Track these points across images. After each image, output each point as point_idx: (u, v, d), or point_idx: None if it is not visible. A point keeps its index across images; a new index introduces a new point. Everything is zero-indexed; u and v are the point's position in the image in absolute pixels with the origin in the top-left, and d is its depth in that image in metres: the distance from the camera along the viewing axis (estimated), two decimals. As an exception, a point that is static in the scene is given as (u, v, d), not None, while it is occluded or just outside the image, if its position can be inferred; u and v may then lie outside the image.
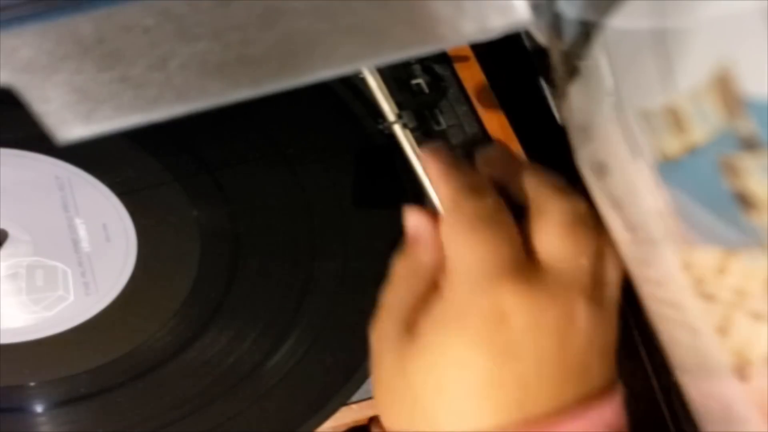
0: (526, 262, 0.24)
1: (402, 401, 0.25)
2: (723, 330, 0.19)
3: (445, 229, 0.25)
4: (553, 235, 0.24)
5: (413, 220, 0.27)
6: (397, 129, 0.34)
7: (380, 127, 0.37)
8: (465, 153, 0.30)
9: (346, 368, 0.34)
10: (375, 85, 0.34)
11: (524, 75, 0.40)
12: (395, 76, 0.39)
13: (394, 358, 0.25)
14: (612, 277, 0.25)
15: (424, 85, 0.39)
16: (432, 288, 0.25)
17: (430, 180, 0.27)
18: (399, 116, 0.34)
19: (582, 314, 0.23)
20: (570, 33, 0.20)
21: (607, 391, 0.24)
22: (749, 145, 0.16)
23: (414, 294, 0.25)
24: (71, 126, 0.17)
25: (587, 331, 0.23)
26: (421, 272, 0.26)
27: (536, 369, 0.23)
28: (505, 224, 0.24)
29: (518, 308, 0.23)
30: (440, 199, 0.26)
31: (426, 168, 0.27)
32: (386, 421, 0.26)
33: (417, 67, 0.39)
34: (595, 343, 0.24)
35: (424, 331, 0.24)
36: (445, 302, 0.24)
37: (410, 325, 0.25)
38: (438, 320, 0.24)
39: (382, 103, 0.34)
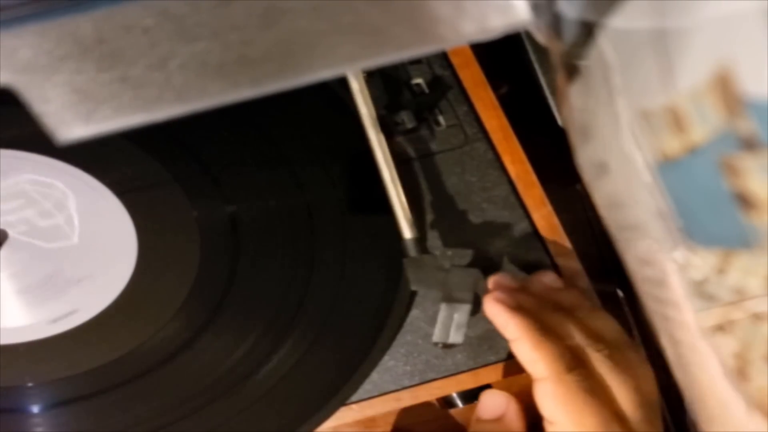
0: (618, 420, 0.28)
1: None
2: (723, 330, 0.19)
3: (551, 396, 0.29)
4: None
5: (493, 399, 0.32)
6: (371, 134, 0.34)
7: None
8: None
9: (346, 368, 0.34)
10: (356, 87, 0.34)
11: (524, 75, 0.40)
12: (395, 76, 0.39)
13: None
14: None
15: (424, 85, 0.39)
16: None
17: (510, 336, 0.30)
18: (377, 121, 0.34)
19: None
20: (570, 33, 0.20)
21: None
22: (749, 145, 0.16)
23: None
24: (71, 126, 0.17)
25: None
26: None
27: None
28: (599, 388, 0.29)
29: None
30: (540, 368, 0.29)
31: (507, 325, 0.31)
32: None
33: (417, 67, 0.39)
34: None
35: None
36: None
37: None
38: None
39: (361, 106, 0.34)
